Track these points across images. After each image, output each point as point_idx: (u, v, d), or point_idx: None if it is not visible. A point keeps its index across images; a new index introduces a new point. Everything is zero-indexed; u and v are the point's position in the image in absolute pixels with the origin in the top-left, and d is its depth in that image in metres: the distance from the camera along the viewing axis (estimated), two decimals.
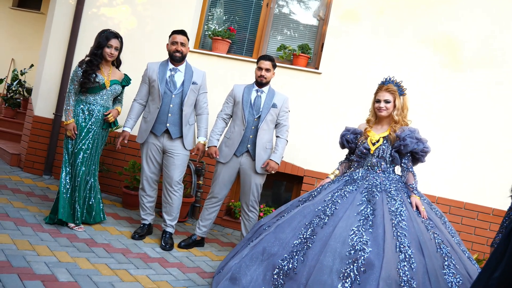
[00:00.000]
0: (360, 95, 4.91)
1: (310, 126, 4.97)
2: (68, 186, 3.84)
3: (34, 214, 4.04)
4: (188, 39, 4.08)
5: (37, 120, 5.52)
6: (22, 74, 7.39)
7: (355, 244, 2.95)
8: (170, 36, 4.04)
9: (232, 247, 4.41)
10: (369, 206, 3.22)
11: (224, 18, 5.56)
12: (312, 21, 5.36)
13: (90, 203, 4.09)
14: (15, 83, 7.23)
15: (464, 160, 4.74)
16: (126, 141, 4.08)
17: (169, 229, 4.14)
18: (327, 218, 3.18)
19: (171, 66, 4.04)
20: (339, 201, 3.29)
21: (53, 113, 5.44)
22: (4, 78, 7.95)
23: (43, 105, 5.53)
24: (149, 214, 4.17)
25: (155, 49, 5.29)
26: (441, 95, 4.80)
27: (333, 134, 4.93)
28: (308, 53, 5.11)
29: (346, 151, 3.89)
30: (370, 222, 3.11)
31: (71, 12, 5.46)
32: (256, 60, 5.08)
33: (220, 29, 5.37)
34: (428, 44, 4.83)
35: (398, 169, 3.60)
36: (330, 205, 3.27)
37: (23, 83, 7.32)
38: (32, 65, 7.59)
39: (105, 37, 3.90)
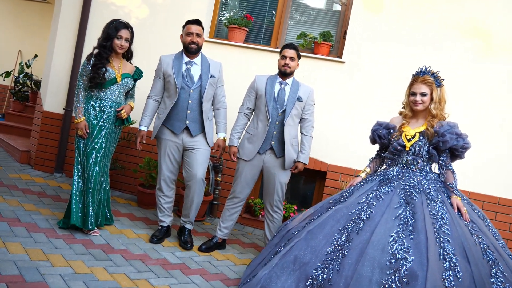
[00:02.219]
0: (386, 85, 4.63)
1: (333, 119, 4.70)
2: (81, 189, 3.62)
3: (47, 217, 3.83)
4: (203, 29, 3.80)
5: (47, 116, 5.30)
6: (28, 66, 7.16)
7: (396, 252, 2.71)
8: (184, 27, 3.77)
9: (254, 248, 4.19)
10: (408, 209, 2.97)
11: (240, 5, 5.26)
12: (334, 6, 5.05)
13: (105, 205, 3.87)
14: (21, 76, 7.00)
15: (498, 153, 4.45)
16: (144, 141, 3.86)
17: (188, 226, 3.94)
18: (362, 222, 2.94)
19: (186, 59, 3.78)
20: (374, 203, 3.04)
21: (63, 108, 5.21)
22: (11, 71, 7.73)
23: (52, 100, 5.30)
24: (167, 215, 3.96)
25: (168, 39, 5.02)
26: (472, 83, 4.49)
27: (358, 126, 4.67)
28: (330, 40, 4.82)
29: (375, 146, 3.64)
30: (411, 227, 2.86)
31: (79, 1, 5.19)
32: (274, 49, 4.86)
33: (236, 17, 5.07)
34: (457, 31, 4.51)
35: (435, 167, 3.35)
36: (365, 208, 3.03)
37: (30, 75, 7.10)
38: (36, 56, 7.35)
39: (114, 27, 3.63)
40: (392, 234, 2.82)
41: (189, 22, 3.76)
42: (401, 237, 2.80)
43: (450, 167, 3.21)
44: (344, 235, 2.92)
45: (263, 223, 4.76)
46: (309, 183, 5.07)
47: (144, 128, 3.85)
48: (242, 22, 4.93)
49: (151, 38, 5.05)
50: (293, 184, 5.11)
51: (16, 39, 8.19)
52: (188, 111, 3.72)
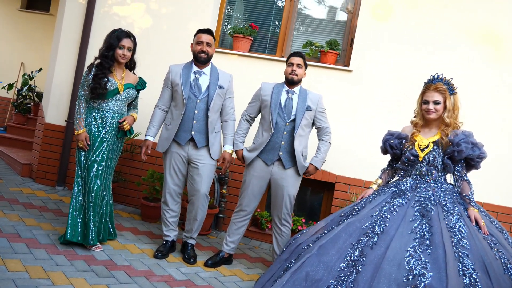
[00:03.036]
0: (395, 93, 4.52)
1: (340, 128, 4.58)
2: (81, 203, 3.49)
3: (48, 232, 3.71)
4: (215, 39, 3.72)
5: (49, 128, 5.20)
6: (31, 78, 7.09)
7: (413, 267, 2.58)
8: (195, 36, 3.69)
9: (262, 262, 4.05)
10: (424, 222, 2.84)
11: (245, 13, 5.18)
12: (340, 15, 4.96)
13: (107, 219, 3.75)
14: (25, 88, 6.92)
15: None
16: (149, 151, 3.75)
17: (191, 241, 3.84)
18: (376, 236, 2.81)
19: (195, 68, 3.69)
20: (388, 216, 2.92)
21: (65, 120, 5.12)
22: (14, 83, 7.66)
23: (54, 112, 5.21)
24: (172, 230, 3.83)
25: (172, 49, 4.94)
26: (483, 91, 4.38)
27: (367, 136, 4.55)
28: (336, 49, 4.72)
29: (385, 156, 3.52)
30: (428, 242, 2.73)
31: (81, 12, 5.13)
32: (280, 58, 4.77)
33: (240, 26, 4.99)
34: (467, 37, 4.41)
35: (449, 178, 3.23)
36: (378, 221, 2.90)
37: (33, 88, 7.02)
38: (40, 69, 7.28)
39: (116, 37, 3.54)
40: (409, 248, 2.69)
41: (200, 31, 3.68)
42: (418, 251, 2.67)
43: (465, 178, 3.09)
44: (357, 250, 2.79)
45: (270, 237, 4.65)
46: (317, 194, 4.94)
47: (150, 138, 3.74)
48: (247, 31, 4.85)
49: (155, 48, 4.97)
50: (300, 196, 4.98)
51: (18, 51, 8.15)
52: (194, 122, 3.61)
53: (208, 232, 4.62)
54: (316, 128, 3.78)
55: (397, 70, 4.53)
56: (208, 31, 3.68)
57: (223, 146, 3.77)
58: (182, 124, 3.61)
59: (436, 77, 3.20)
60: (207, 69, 3.70)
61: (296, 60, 3.63)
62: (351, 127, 4.61)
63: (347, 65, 4.72)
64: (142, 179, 4.75)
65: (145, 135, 3.75)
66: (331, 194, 4.78)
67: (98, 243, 3.58)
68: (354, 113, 4.61)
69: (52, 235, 3.66)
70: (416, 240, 2.74)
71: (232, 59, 4.86)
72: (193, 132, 3.61)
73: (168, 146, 3.68)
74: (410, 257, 2.64)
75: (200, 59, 3.63)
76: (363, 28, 4.60)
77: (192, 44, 3.72)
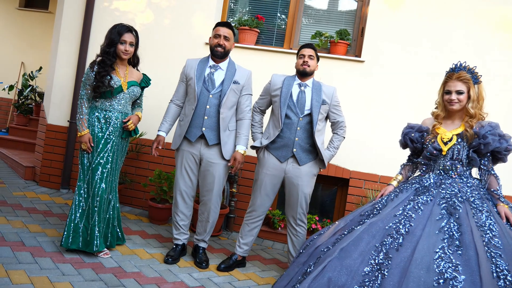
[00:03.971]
0: (410, 83, 4.34)
1: (354, 122, 4.39)
2: (83, 208, 3.32)
3: (53, 239, 3.55)
4: (234, 34, 3.55)
5: (51, 129, 5.04)
6: (31, 78, 6.92)
7: (444, 270, 2.41)
8: (213, 29, 3.52)
9: (276, 264, 3.89)
10: (452, 221, 2.66)
11: (250, 5, 4.98)
12: (349, 3, 4.76)
13: (115, 224, 3.58)
14: (27, 90, 6.76)
15: None
16: (160, 147, 3.58)
17: (202, 244, 3.68)
18: (401, 237, 2.64)
19: (211, 62, 3.51)
20: (413, 215, 2.74)
21: (68, 121, 4.96)
22: (15, 84, 7.50)
23: (56, 112, 5.04)
24: (183, 233, 3.66)
25: (176, 43, 4.76)
26: (502, 80, 4.18)
27: (381, 129, 4.38)
28: (347, 39, 4.53)
29: (402, 150, 3.35)
30: (457, 242, 2.56)
31: (81, 8, 4.95)
32: (288, 50, 4.58)
33: (246, 18, 4.80)
34: (485, 25, 4.20)
35: (474, 172, 3.04)
36: (403, 221, 2.72)
37: (34, 88, 6.86)
38: (41, 68, 7.11)
39: (117, 32, 3.35)
40: (437, 250, 2.51)
41: (218, 24, 3.52)
42: (448, 253, 2.49)
43: (492, 172, 2.91)
44: (382, 252, 2.61)
45: (283, 236, 4.50)
46: (329, 191, 4.77)
47: (162, 134, 3.58)
48: (253, 23, 4.66)
49: (157, 43, 4.78)
50: (312, 192, 4.81)
51: (18, 51, 7.97)
52: (205, 117, 3.44)
53: (219, 233, 4.46)
54: (330, 122, 3.60)
55: (412, 60, 4.33)
56: (227, 25, 3.51)
57: (236, 146, 3.56)
58: (193, 119, 3.45)
59: (458, 65, 3.00)
60: (223, 64, 3.53)
61: (308, 51, 3.45)
62: (364, 120, 4.43)
63: (359, 56, 4.53)
64: (148, 180, 4.58)
65: (158, 130, 3.60)
66: (345, 190, 4.60)
67: (105, 249, 3.42)
68: (367, 105, 4.43)
69: (58, 242, 3.50)
70: (445, 241, 2.56)
71: (238, 52, 4.67)
72: (203, 129, 3.44)
73: (180, 144, 3.52)
74: (439, 259, 2.47)
75: (217, 53, 3.46)
76: (375, 17, 4.40)
77: (210, 37, 3.55)
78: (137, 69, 3.61)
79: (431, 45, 4.30)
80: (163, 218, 4.43)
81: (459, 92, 2.93)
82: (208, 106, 3.43)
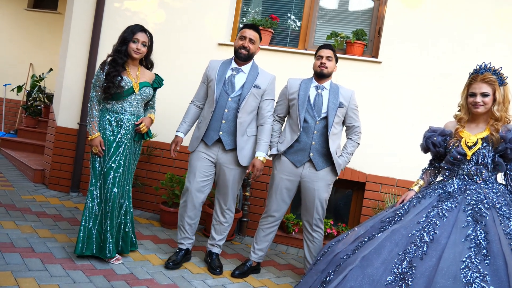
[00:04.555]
0: (429, 85, 4.22)
1: (370, 124, 4.27)
2: (96, 213, 3.23)
3: (63, 245, 3.46)
4: (261, 38, 3.46)
5: (61, 132, 4.97)
6: (41, 79, 6.87)
7: (471, 281, 2.29)
8: (239, 30, 3.44)
9: (291, 270, 3.78)
10: (478, 229, 2.54)
11: (263, 5, 4.88)
12: (366, 3, 4.64)
13: (127, 230, 3.46)
14: (35, 90, 6.70)
15: None
16: (178, 148, 3.48)
17: (216, 249, 3.57)
18: (426, 245, 2.52)
19: (234, 65, 3.41)
20: (437, 222, 2.62)
21: (78, 123, 4.88)
22: (23, 85, 7.45)
23: (66, 114, 4.97)
24: (188, 238, 3.54)
25: (187, 45, 4.67)
26: None
27: (399, 132, 4.26)
28: (363, 40, 4.42)
29: (420, 153, 3.23)
30: (484, 251, 2.43)
31: (91, 8, 4.87)
32: (302, 51, 4.48)
33: (259, 18, 4.70)
34: (506, 25, 4.08)
35: (499, 177, 2.92)
36: (427, 228, 2.61)
37: (43, 89, 6.81)
38: (51, 69, 7.06)
39: (131, 30, 3.26)
40: (464, 259, 2.39)
41: (245, 26, 3.41)
42: (475, 262, 2.38)
43: None
44: (405, 261, 2.50)
45: (296, 241, 4.39)
46: (344, 194, 4.65)
47: (180, 135, 3.49)
48: (267, 23, 4.56)
49: (170, 44, 4.69)
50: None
51: (27, 52, 7.93)
52: (223, 121, 3.33)
53: (232, 238, 4.36)
54: (345, 126, 3.49)
55: (431, 61, 4.21)
56: (253, 27, 3.40)
57: (255, 152, 3.42)
58: (211, 122, 3.35)
59: (483, 66, 2.88)
60: (246, 67, 3.42)
61: (326, 52, 3.34)
62: (381, 123, 4.31)
63: (376, 56, 4.42)
64: (160, 183, 4.49)
65: (176, 131, 3.51)
66: (360, 194, 4.49)
67: (117, 255, 3.33)
68: (384, 107, 4.31)
69: (68, 248, 3.42)
70: (472, 249, 2.44)
71: None
72: (221, 133, 3.34)
73: (197, 146, 3.43)
74: (466, 269, 2.35)
75: (240, 55, 3.35)
76: (392, 16, 4.29)
77: (235, 39, 3.46)
78: (149, 70, 3.52)
79: (451, 45, 4.17)
80: (175, 222, 4.33)
81: (484, 95, 2.81)
82: (226, 110, 3.33)
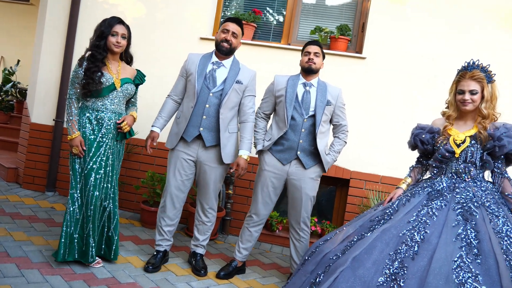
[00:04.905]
0: (414, 82, 4.20)
1: (355, 121, 4.23)
2: (77, 217, 3.07)
3: (40, 248, 3.31)
4: (243, 33, 3.35)
5: (35, 128, 4.77)
6: (11, 74, 6.60)
7: (463, 281, 2.27)
8: (221, 23, 3.33)
9: (276, 269, 3.72)
10: (469, 228, 2.52)
11: None
12: None
13: (110, 234, 3.28)
14: (8, 85, 6.43)
15: None
16: (155, 143, 3.35)
17: (200, 250, 3.48)
18: (416, 245, 2.49)
19: (214, 59, 3.30)
20: (428, 221, 2.60)
21: (54, 119, 4.69)
22: None
23: (41, 110, 4.77)
24: (166, 240, 3.43)
25: (168, 39, 4.54)
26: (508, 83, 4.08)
27: (383, 129, 4.24)
28: (347, 35, 4.36)
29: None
30: (475, 250, 2.42)
31: (66, 0, 4.67)
32: (286, 46, 4.40)
33: (243, 12, 4.59)
34: (493, 19, 4.08)
35: (487, 175, 2.92)
36: (417, 227, 2.58)
37: (16, 83, 6.54)
38: (18, 61, 6.79)
39: (108, 23, 3.10)
40: (456, 258, 2.37)
41: (228, 19, 3.29)
42: (467, 262, 2.35)
43: (506, 175, 2.79)
44: (396, 261, 2.46)
45: (280, 239, 4.34)
46: (328, 191, 4.61)
47: (156, 130, 3.34)
48: (250, 17, 4.46)
49: (150, 38, 4.55)
50: None
51: None
52: (204, 117, 3.22)
53: (215, 237, 4.27)
54: (332, 125, 3.43)
55: (416, 57, 4.19)
56: (237, 21, 3.29)
57: (239, 150, 3.34)
58: (191, 118, 3.22)
59: (471, 63, 2.86)
60: (227, 62, 3.31)
61: (313, 48, 3.27)
62: (366, 119, 4.28)
63: (360, 52, 4.37)
64: (140, 182, 4.36)
65: (152, 126, 3.36)
66: (344, 190, 4.45)
67: (97, 258, 3.20)
68: (368, 104, 4.28)
69: (46, 251, 3.27)
70: (463, 249, 2.42)
71: None
72: (201, 129, 3.22)
73: (176, 144, 3.31)
74: (458, 269, 2.33)
75: (222, 48, 3.24)
76: (377, 11, 4.25)
77: (217, 32, 3.35)
78: (130, 65, 3.38)
79: (437, 41, 4.16)
80: (156, 221, 4.21)
81: (472, 92, 2.79)
82: (207, 105, 3.22)
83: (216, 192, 3.41)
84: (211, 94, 3.22)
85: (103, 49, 3.09)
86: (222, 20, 4.66)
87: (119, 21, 3.15)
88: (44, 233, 3.63)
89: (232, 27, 3.24)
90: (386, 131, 4.22)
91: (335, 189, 4.53)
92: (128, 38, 3.21)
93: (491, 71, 2.84)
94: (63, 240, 3.02)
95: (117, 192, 3.30)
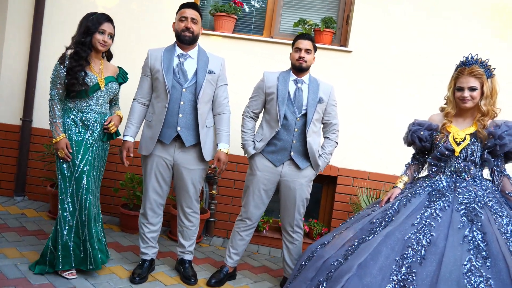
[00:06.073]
0: (402, 76, 4.13)
1: (341, 116, 4.06)
2: (70, 224, 2.85)
3: (15, 261, 3.04)
4: (201, 16, 3.11)
5: (0, 128, 4.42)
6: None
7: (476, 285, 2.21)
8: (177, 12, 3.06)
9: (267, 273, 3.59)
10: (475, 229, 2.46)
11: None
12: None
13: (100, 237, 3.10)
14: None
15: None
16: (131, 154, 3.10)
17: (188, 256, 3.30)
18: (423, 249, 2.41)
19: (179, 51, 3.05)
20: (433, 224, 2.52)
21: (20, 119, 4.36)
22: None
23: (5, 109, 4.41)
24: (151, 247, 3.24)
25: (143, 32, 4.28)
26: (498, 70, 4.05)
27: (371, 125, 4.15)
28: (332, 27, 4.23)
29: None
30: (484, 253, 2.36)
31: None
32: (268, 39, 4.23)
33: (222, 3, 4.38)
34: (479, 12, 4.04)
35: (485, 173, 2.87)
36: (422, 230, 2.50)
37: None
38: None
39: (96, 20, 2.87)
40: (465, 262, 2.31)
41: (183, 5, 3.04)
42: (477, 265, 2.29)
43: (505, 173, 2.75)
44: (403, 266, 2.38)
45: (267, 239, 4.21)
46: (315, 189, 4.49)
47: (129, 139, 3.08)
48: (230, 8, 4.25)
49: (124, 31, 4.26)
50: None
51: None
52: (180, 115, 2.99)
53: (200, 240, 4.09)
54: (323, 124, 3.28)
55: (403, 51, 4.11)
56: (192, 6, 3.03)
57: (217, 145, 3.16)
58: (166, 118, 2.99)
59: (470, 59, 2.78)
60: (193, 52, 3.08)
61: (305, 44, 3.11)
62: (353, 114, 4.17)
63: (344, 45, 4.26)
64: (119, 184, 4.11)
65: (123, 136, 3.09)
66: (331, 188, 4.35)
67: (72, 269, 2.96)
68: (355, 99, 4.17)
69: (21, 264, 3.01)
70: (471, 252, 2.36)
71: (214, 41, 4.26)
72: (179, 128, 2.99)
73: (154, 149, 3.08)
74: (469, 273, 2.26)
75: (184, 38, 3.00)
76: (362, 2, 4.12)
77: (174, 22, 3.08)
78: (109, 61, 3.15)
79: (424, 34, 4.08)
80: (137, 226, 3.98)
81: (472, 89, 2.72)
82: (182, 102, 3.00)
83: (197, 194, 3.22)
84: (184, 90, 3.00)
85: (88, 46, 2.86)
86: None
87: (108, 18, 2.93)
88: (17, 244, 3.35)
89: (190, 12, 3.00)
90: (373, 127, 4.14)
91: (321, 187, 4.42)
92: (113, 36, 2.98)
93: (490, 66, 2.77)
94: (59, 247, 2.84)
95: (99, 195, 3.13)
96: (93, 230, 2.93)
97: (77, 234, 2.87)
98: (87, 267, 2.90)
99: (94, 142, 2.95)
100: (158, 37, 4.22)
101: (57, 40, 4.15)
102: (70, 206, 2.86)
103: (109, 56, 3.11)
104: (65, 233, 2.85)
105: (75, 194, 2.85)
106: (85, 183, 2.85)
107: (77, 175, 2.85)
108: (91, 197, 2.88)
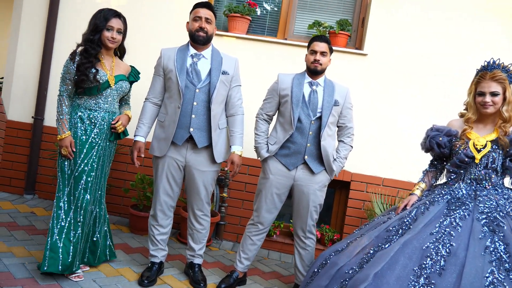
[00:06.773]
0: (418, 79, 4.05)
1: (355, 120, 4.00)
2: (63, 224, 2.78)
3: (23, 260, 3.01)
4: (215, 16, 3.06)
5: (12, 126, 4.40)
6: None
7: None
8: (191, 12, 3.02)
9: (278, 278, 3.52)
10: (497, 240, 2.36)
11: None
12: None
13: (95, 239, 3.05)
14: None
15: None
16: (142, 155, 3.05)
17: (198, 260, 3.23)
18: (443, 260, 2.32)
19: (192, 51, 3.00)
20: (452, 233, 2.43)
21: (32, 117, 4.33)
22: None
23: (18, 107, 4.40)
24: (160, 249, 3.19)
25: (153, 31, 4.24)
26: None
27: (386, 129, 4.07)
28: (347, 30, 4.16)
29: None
30: (507, 265, 2.27)
31: None
32: (282, 41, 4.16)
33: (236, 4, 4.33)
34: (495, 18, 3.96)
35: (507, 181, 2.77)
36: (442, 240, 2.41)
37: None
38: None
39: (103, 17, 2.82)
40: (487, 274, 2.21)
41: (197, 5, 2.99)
42: (500, 278, 2.20)
43: None
44: (422, 277, 2.28)
45: (278, 244, 4.14)
46: (327, 194, 4.41)
47: (140, 139, 3.03)
48: (244, 9, 4.20)
49: (139, 30, 4.23)
50: None
51: None
52: (193, 116, 2.94)
53: (209, 243, 4.03)
54: (338, 127, 3.21)
55: (419, 54, 4.02)
56: (207, 5, 2.98)
57: (231, 147, 3.10)
58: (180, 119, 2.93)
59: (491, 63, 2.70)
60: (207, 52, 3.03)
61: (321, 46, 3.04)
62: (367, 119, 4.09)
63: (359, 48, 4.19)
64: (130, 185, 4.07)
65: (134, 136, 3.05)
66: (344, 193, 4.27)
67: (80, 271, 2.92)
68: (370, 103, 4.10)
69: (29, 264, 2.97)
70: (493, 263, 2.27)
71: (228, 41, 4.22)
72: (191, 129, 2.94)
73: (168, 150, 3.02)
74: (492, 286, 2.17)
75: (198, 38, 2.95)
76: (378, 5, 4.05)
77: (187, 22, 3.03)
78: (121, 58, 3.11)
79: (439, 37, 4.00)
80: (147, 227, 3.93)
81: (493, 94, 2.64)
82: (195, 103, 2.94)
83: (208, 197, 3.16)
84: (197, 90, 2.95)
85: (97, 44, 2.82)
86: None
87: (116, 14, 2.88)
88: (25, 242, 3.32)
89: (204, 12, 2.95)
90: (388, 132, 4.06)
91: (334, 192, 4.35)
92: (124, 31, 2.94)
93: None
94: (54, 250, 2.76)
95: (104, 195, 3.07)
96: (85, 232, 2.88)
97: (68, 235, 2.79)
98: (71, 270, 2.82)
99: (100, 141, 2.89)
100: (170, 36, 4.18)
101: (71, 39, 4.10)
102: (66, 205, 2.80)
103: (122, 51, 3.05)
104: (55, 232, 2.78)
105: (72, 193, 2.80)
106: (83, 183, 2.81)
107: (76, 174, 2.80)
108: (89, 197, 2.83)
